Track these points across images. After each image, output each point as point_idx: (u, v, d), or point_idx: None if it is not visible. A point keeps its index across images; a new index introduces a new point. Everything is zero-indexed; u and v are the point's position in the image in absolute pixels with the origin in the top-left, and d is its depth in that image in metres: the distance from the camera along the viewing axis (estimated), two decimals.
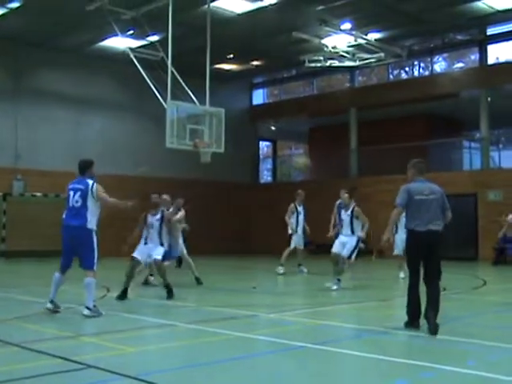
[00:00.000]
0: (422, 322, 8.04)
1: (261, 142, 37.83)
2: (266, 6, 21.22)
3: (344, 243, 13.34)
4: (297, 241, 17.46)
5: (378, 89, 30.37)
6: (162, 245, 11.73)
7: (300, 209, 17.55)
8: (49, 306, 9.49)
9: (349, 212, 13.49)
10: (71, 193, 9.50)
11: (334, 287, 12.98)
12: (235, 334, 8.04)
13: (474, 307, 10.79)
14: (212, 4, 20.40)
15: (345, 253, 13.23)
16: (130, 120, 28.38)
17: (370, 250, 21.95)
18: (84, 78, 27.12)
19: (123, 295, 11.36)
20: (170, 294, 11.53)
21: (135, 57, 20.67)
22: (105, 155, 27.54)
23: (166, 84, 18.43)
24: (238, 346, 7.50)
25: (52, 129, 26.22)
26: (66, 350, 6.79)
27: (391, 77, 32.20)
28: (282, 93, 35.18)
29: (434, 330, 7.72)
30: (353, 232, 13.39)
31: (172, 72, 18.80)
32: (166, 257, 11.73)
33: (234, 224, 29.80)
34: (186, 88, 19.62)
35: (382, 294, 12.89)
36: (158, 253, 11.54)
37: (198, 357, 6.78)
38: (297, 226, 17.44)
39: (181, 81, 19.50)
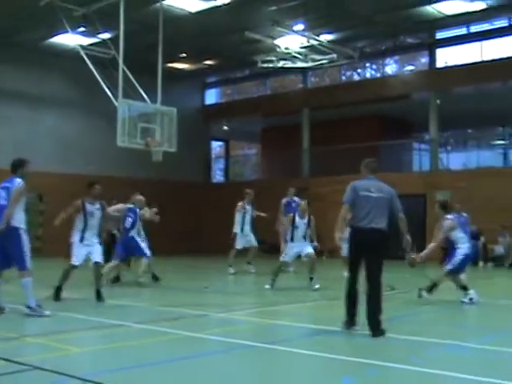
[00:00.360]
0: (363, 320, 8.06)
1: (213, 142, 37.80)
2: (219, 6, 21.18)
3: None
4: (244, 241, 17.43)
5: (331, 90, 30.63)
6: (99, 242, 11.47)
7: (248, 208, 17.51)
8: None
9: (305, 220, 13.49)
10: (0, 191, 9.30)
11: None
12: (185, 334, 8.01)
13: (419, 306, 10.96)
14: (164, 2, 20.29)
15: (310, 250, 13.40)
16: (81, 118, 28.03)
17: (321, 250, 22.18)
18: (35, 74, 26.68)
19: (57, 295, 11.16)
20: (99, 298, 11.12)
21: (86, 54, 20.39)
22: (56, 153, 27.19)
23: (118, 82, 18.26)
24: (187, 345, 7.47)
25: (2, 126, 25.69)
26: (9, 351, 6.67)
27: (343, 78, 32.48)
28: (234, 93, 35.19)
29: (373, 331, 7.70)
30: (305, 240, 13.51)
31: (123, 70, 18.62)
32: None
33: (186, 223, 29.67)
34: (138, 86, 19.45)
35: (332, 293, 12.97)
36: (98, 255, 11.21)
37: (146, 357, 6.73)
38: (243, 225, 17.39)
39: (132, 79, 19.33)
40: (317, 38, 23.99)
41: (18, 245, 9.07)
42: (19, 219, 9.12)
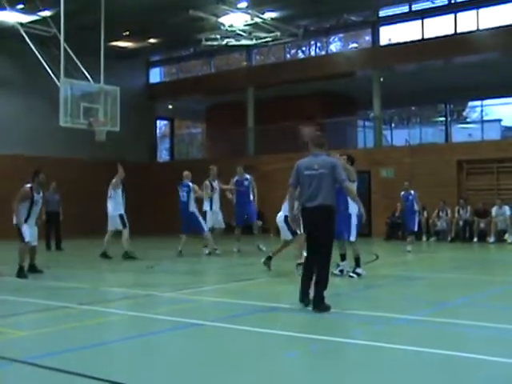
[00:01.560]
0: None
1: (159, 121, 37.50)
2: None
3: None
4: (214, 219, 16.88)
5: (275, 68, 30.65)
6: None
7: (215, 185, 16.95)
8: None
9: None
10: None
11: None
12: (130, 314, 8.01)
13: (365, 281, 11.16)
14: None
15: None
16: (22, 98, 27.39)
17: (268, 228, 22.35)
18: None
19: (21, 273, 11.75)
20: (20, 274, 11.77)
21: (26, 32, 19.96)
22: None
23: (60, 61, 17.92)
24: (133, 325, 7.48)
25: None
26: None
27: (288, 56, 32.55)
28: (179, 71, 34.92)
29: (314, 305, 7.81)
30: None
31: (65, 49, 18.27)
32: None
33: (131, 203, 29.40)
34: (80, 65, 19.13)
35: (276, 270, 13.08)
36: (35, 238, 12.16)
37: (91, 338, 6.72)
38: (212, 204, 16.86)
39: (74, 58, 18.99)
40: (261, 15, 23.94)
41: None
42: None
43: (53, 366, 5.42)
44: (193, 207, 16.19)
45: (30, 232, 11.80)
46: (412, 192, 18.10)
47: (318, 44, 31.91)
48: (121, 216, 15.72)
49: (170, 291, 10.17)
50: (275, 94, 30.09)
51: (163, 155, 38.74)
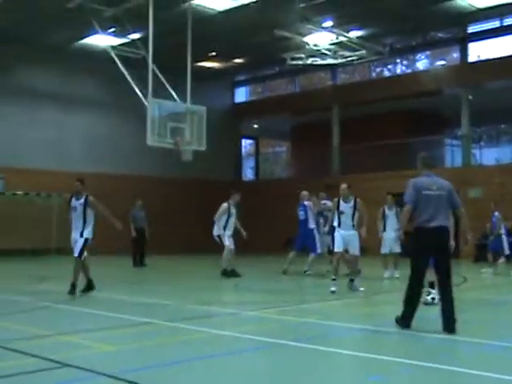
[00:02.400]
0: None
1: (244, 140, 37.81)
2: (247, 4, 21.18)
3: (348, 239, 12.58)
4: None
5: (361, 86, 30.44)
6: (81, 235, 11.54)
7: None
8: None
9: (351, 204, 12.65)
10: None
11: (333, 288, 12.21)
12: (214, 332, 8.01)
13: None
14: (193, 1, 20.35)
15: (357, 252, 12.64)
16: (111, 118, 28.25)
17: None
18: (66, 75, 26.97)
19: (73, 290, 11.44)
20: (72, 291, 11.41)
21: (116, 55, 20.57)
22: (86, 153, 27.44)
23: (148, 82, 18.34)
24: (217, 343, 7.46)
25: (32, 126, 26.01)
26: (42, 349, 6.72)
27: (373, 74, 32.26)
28: (264, 90, 35.17)
29: (452, 328, 7.67)
30: (353, 226, 12.62)
31: (153, 70, 18.72)
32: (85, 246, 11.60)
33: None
34: (168, 86, 19.55)
35: (367, 291, 12.85)
36: (77, 249, 11.49)
37: (177, 354, 6.74)
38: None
39: (162, 79, 19.44)
40: (346, 34, 23.88)
41: None
42: None
43: (137, 381, 5.45)
44: (312, 224, 16.41)
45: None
46: (496, 213, 17.65)
47: (405, 62, 31.50)
48: (218, 236, 15.88)
49: (254, 310, 10.13)
50: (360, 112, 29.86)
51: (248, 174, 38.99)
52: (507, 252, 17.91)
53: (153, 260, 20.89)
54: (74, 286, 11.39)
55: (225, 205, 15.93)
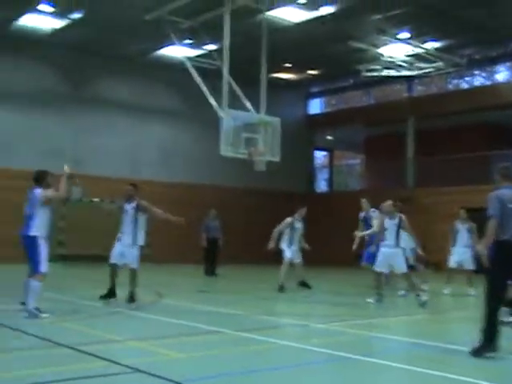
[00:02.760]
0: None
1: (317, 152, 37.70)
2: (323, 16, 21.15)
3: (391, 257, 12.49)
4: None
5: (438, 98, 29.90)
6: (135, 242, 11.47)
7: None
8: (22, 307, 9.65)
9: (395, 221, 12.58)
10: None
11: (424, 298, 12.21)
12: (282, 343, 7.98)
13: None
14: (268, 13, 20.44)
15: (404, 269, 12.47)
16: (186, 128, 28.65)
17: (427, 261, 21.61)
18: (142, 86, 27.55)
19: (108, 295, 11.43)
20: (131, 300, 11.30)
21: (192, 66, 20.87)
22: (161, 162, 27.93)
23: (222, 93, 18.53)
24: (284, 354, 7.43)
25: (111, 136, 26.66)
26: (112, 353, 6.86)
27: (450, 86, 31.69)
28: (338, 102, 35.02)
29: None
30: (397, 244, 12.57)
31: (228, 81, 18.89)
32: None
33: None
34: (242, 97, 19.70)
35: (432, 307, 12.57)
36: (133, 260, 11.43)
37: (244, 364, 6.76)
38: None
39: (237, 89, 19.60)
40: (422, 46, 23.54)
41: (33, 251, 9.43)
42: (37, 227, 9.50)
43: None
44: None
45: (113, 252, 11.69)
46: None
47: (483, 74, 30.81)
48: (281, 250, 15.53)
49: (323, 322, 10.05)
50: (436, 125, 29.34)
51: (321, 186, 38.83)
52: None
53: (225, 270, 21.04)
54: (111, 289, 11.43)
55: (288, 219, 15.62)
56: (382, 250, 12.52)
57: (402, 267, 12.40)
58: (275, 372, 6.44)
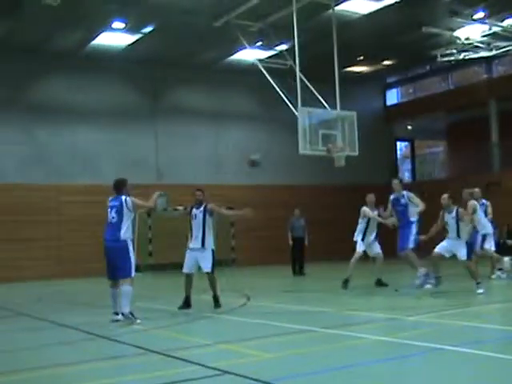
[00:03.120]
0: None
1: (398, 143, 37.08)
2: (391, 4, 20.77)
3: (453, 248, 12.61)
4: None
5: None
6: (205, 246, 11.43)
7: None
8: (115, 317, 9.92)
9: (453, 215, 12.63)
10: (109, 210, 10.08)
11: (480, 291, 12.23)
12: (373, 338, 7.89)
13: None
14: (336, 8, 20.24)
15: (464, 256, 12.42)
16: (263, 129, 28.70)
17: None
18: (217, 92, 27.79)
19: (184, 305, 11.45)
20: (217, 304, 11.40)
21: (264, 67, 20.95)
22: (241, 166, 28.08)
23: (297, 91, 18.50)
24: (376, 349, 7.35)
25: (190, 144, 27.02)
26: (203, 357, 6.95)
27: None
28: (416, 90, 34.31)
29: None
30: (459, 236, 12.54)
31: (301, 79, 18.84)
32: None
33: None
34: (317, 94, 19.62)
35: None
36: (208, 264, 11.38)
37: (334, 361, 6.72)
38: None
39: (310, 87, 19.53)
40: (500, 23, 22.77)
41: (124, 256, 9.77)
42: (126, 232, 9.89)
43: None
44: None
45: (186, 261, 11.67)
46: None
47: None
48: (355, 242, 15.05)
49: (414, 315, 9.87)
50: None
51: (405, 177, 38.17)
52: None
53: (313, 268, 20.99)
54: (187, 299, 11.47)
55: (365, 208, 15.05)
56: (447, 242, 12.72)
57: (463, 255, 12.38)
58: (366, 368, 6.37)
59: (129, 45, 23.48)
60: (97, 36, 22.59)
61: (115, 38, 22.87)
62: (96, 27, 21.95)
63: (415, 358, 6.78)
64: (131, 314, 9.73)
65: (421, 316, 9.70)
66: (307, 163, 23.63)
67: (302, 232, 20.33)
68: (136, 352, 7.60)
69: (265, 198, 26.94)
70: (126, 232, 9.87)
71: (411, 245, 13.56)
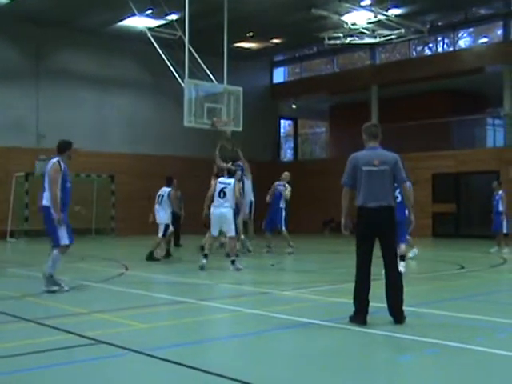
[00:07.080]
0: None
1: (282, 121, 37.71)
2: None
3: None
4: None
5: (400, 65, 29.99)
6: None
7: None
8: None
9: None
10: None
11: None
12: (246, 311, 8.09)
13: (487, 285, 10.71)
14: None
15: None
16: (149, 99, 28.39)
17: None
18: (104, 57, 27.17)
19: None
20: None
21: (153, 36, 20.70)
22: (125, 134, 27.70)
23: (185, 63, 18.41)
24: (249, 322, 7.54)
25: (74, 108, 26.29)
26: (78, 326, 6.90)
27: (414, 53, 31.83)
28: (302, 70, 34.96)
29: (399, 319, 7.07)
30: None
31: (190, 51, 18.78)
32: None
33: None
34: (204, 67, 19.62)
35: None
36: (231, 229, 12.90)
37: (208, 333, 6.88)
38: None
39: (199, 59, 19.51)
40: (385, 12, 23.56)
41: (49, 222, 9.39)
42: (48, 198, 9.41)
43: (168, 358, 5.56)
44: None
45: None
46: (500, 192, 17.93)
47: (446, 40, 30.99)
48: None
49: (288, 290, 10.18)
50: (400, 92, 29.54)
51: (288, 155, 38.92)
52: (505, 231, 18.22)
53: (191, 241, 21.05)
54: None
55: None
56: None
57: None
58: (239, 340, 6.56)
59: (11, 0, 22.43)
60: None
61: None
62: None
63: (283, 331, 6.99)
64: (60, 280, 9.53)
65: (294, 291, 10.01)
66: (192, 134, 23.60)
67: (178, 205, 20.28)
68: (7, 320, 7.44)
69: (148, 167, 26.73)
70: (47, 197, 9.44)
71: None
